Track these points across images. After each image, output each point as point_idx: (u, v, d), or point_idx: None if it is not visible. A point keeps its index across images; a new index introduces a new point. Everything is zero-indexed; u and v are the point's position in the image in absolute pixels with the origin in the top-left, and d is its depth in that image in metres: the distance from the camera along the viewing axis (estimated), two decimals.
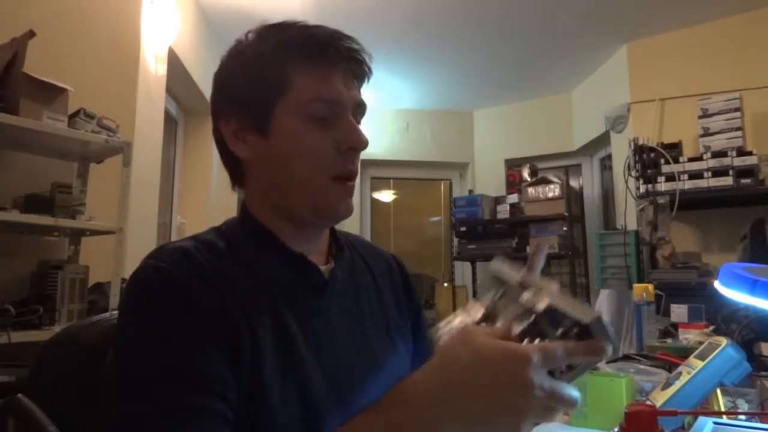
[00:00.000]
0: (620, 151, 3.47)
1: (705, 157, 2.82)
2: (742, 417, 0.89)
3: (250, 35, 0.71)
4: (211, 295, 0.59)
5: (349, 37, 0.69)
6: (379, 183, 4.96)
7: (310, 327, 0.66)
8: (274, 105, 0.67)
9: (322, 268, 0.72)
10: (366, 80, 0.72)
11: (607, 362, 1.25)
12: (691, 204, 2.90)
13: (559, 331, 0.50)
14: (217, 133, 0.72)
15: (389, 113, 4.72)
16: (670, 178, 2.87)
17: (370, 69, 0.71)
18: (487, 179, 4.70)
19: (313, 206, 0.68)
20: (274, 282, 0.66)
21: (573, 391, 0.50)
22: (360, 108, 0.71)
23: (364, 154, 0.85)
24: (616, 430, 0.51)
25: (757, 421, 0.86)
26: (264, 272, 0.66)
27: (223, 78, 0.72)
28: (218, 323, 0.58)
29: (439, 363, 0.53)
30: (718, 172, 2.77)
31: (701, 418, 0.80)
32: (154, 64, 2.50)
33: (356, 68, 0.69)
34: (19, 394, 0.63)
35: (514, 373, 0.48)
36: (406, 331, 0.83)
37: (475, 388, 0.49)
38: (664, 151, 2.94)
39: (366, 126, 0.74)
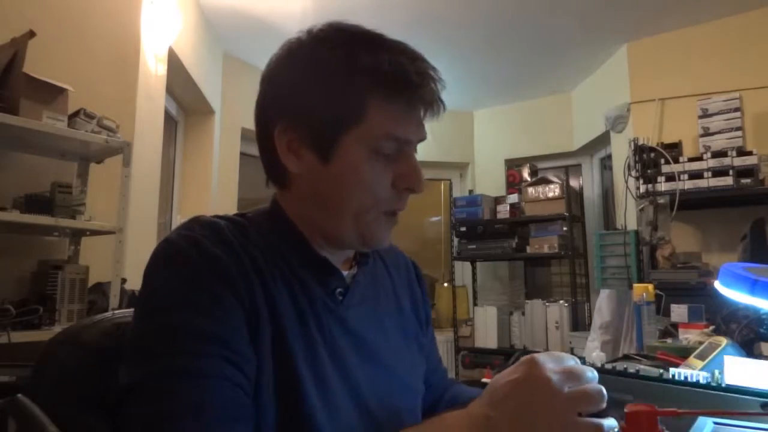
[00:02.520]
0: (620, 151, 3.47)
1: (705, 157, 2.81)
2: (742, 417, 0.89)
3: (322, 34, 0.67)
4: (239, 272, 0.60)
5: (434, 69, 0.66)
6: None
7: (327, 330, 0.66)
8: (343, 133, 0.63)
9: (345, 273, 0.72)
10: (437, 118, 0.68)
11: (607, 362, 1.26)
12: (691, 204, 2.89)
13: None
14: (267, 137, 0.67)
15: None
16: (670, 178, 2.87)
17: (445, 108, 0.68)
18: (487, 179, 4.70)
19: (360, 236, 0.67)
20: (295, 278, 0.66)
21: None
22: (421, 141, 0.70)
23: None
24: (616, 430, 0.50)
25: (757, 421, 0.86)
26: (286, 267, 0.66)
27: (287, 79, 0.67)
28: (242, 299, 0.59)
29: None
30: (718, 172, 2.76)
31: (701, 418, 0.80)
32: (154, 64, 2.50)
33: (434, 108, 0.67)
34: (19, 394, 0.63)
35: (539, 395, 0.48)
36: (422, 337, 0.83)
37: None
38: (664, 151, 2.94)
39: None
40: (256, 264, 0.62)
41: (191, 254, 0.59)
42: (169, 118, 3.13)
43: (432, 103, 0.66)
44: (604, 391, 0.49)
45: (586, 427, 0.47)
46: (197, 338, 0.55)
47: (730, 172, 2.73)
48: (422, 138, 0.69)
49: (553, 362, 0.50)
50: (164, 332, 0.55)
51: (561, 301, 3.78)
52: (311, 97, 0.64)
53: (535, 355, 0.51)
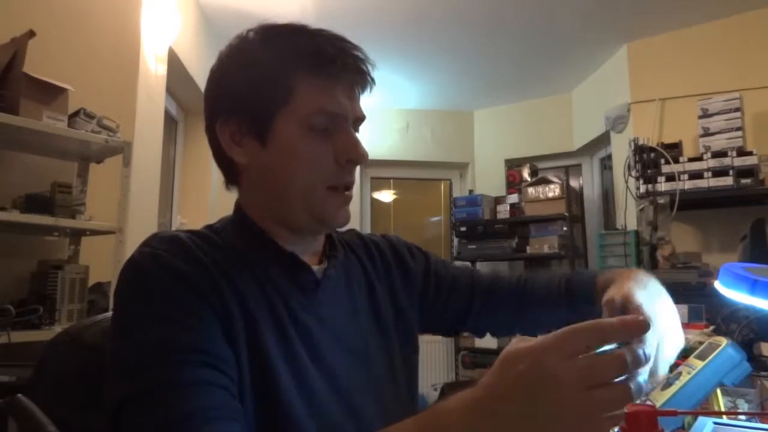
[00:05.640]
0: (620, 151, 3.47)
1: (705, 157, 2.82)
2: (742, 417, 0.89)
3: (251, 34, 0.71)
4: (205, 278, 0.60)
5: (356, 47, 0.69)
6: (379, 183, 4.96)
7: (302, 325, 0.67)
8: (275, 114, 0.66)
9: (315, 268, 0.72)
10: (369, 90, 0.72)
11: None
12: (691, 204, 2.89)
13: None
14: (212, 132, 0.71)
15: (390, 113, 4.72)
16: (670, 178, 2.87)
17: (373, 80, 0.70)
18: (487, 179, 4.70)
19: (312, 215, 0.68)
20: (266, 278, 0.67)
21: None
22: (360, 121, 0.72)
23: None
24: (616, 430, 0.50)
25: (757, 421, 0.86)
26: (256, 268, 0.67)
27: (222, 78, 0.71)
28: (213, 304, 0.59)
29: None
30: (718, 172, 2.76)
31: (701, 418, 0.80)
32: (154, 64, 2.50)
33: (360, 80, 0.69)
34: (19, 394, 0.63)
35: (534, 366, 0.41)
36: (404, 323, 0.82)
37: (502, 394, 0.42)
38: (664, 151, 2.94)
39: (366, 126, 0.74)
40: (223, 268, 0.63)
41: (153, 270, 0.60)
42: (169, 118, 3.13)
43: (356, 72, 0.68)
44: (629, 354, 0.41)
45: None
46: (175, 350, 0.55)
47: (730, 172, 2.73)
48: (358, 116, 0.71)
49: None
50: (142, 349, 0.56)
51: None
52: (241, 87, 0.68)
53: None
